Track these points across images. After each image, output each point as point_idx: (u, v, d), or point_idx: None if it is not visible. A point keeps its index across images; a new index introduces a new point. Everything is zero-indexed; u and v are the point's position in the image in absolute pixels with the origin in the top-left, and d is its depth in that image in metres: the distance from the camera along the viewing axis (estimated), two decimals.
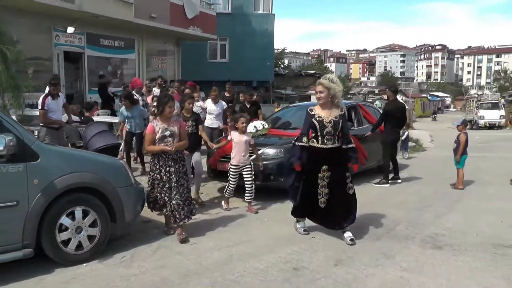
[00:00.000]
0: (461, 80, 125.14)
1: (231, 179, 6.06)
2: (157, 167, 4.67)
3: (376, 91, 40.72)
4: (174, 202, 4.61)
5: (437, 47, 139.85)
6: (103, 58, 14.37)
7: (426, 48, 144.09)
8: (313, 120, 4.65)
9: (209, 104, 8.85)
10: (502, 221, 5.54)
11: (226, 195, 6.17)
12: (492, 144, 15.60)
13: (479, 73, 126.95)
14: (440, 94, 63.78)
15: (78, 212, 4.06)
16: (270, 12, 24.21)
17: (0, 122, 3.74)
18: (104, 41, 14.19)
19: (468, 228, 5.26)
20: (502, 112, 26.54)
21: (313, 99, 22.74)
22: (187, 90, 8.21)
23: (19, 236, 3.75)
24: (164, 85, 10.16)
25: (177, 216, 4.62)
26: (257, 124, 7.75)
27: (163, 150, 4.63)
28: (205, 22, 18.13)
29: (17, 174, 3.73)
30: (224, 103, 9.21)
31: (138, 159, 7.84)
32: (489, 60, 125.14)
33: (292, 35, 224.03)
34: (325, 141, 4.60)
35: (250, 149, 6.14)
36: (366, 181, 7.99)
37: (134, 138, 7.74)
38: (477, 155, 11.42)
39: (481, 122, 26.40)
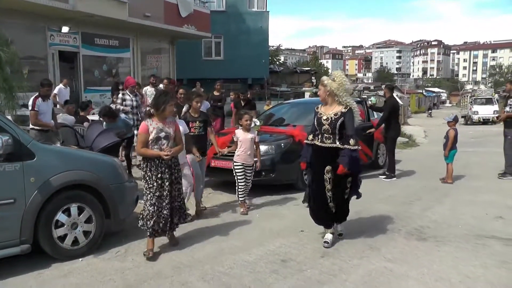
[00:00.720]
0: (457, 75, 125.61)
1: (239, 179, 5.85)
2: (149, 173, 4.22)
3: (371, 87, 40.82)
4: (165, 212, 4.26)
5: (433, 43, 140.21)
6: (98, 57, 14.47)
7: (422, 44, 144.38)
8: (316, 117, 4.57)
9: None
10: (486, 214, 5.71)
11: (240, 199, 5.92)
12: (485, 139, 15.76)
13: (474, 68, 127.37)
14: (436, 89, 63.88)
15: (73, 208, 4.19)
16: (265, 10, 24.31)
17: None
18: (99, 40, 14.27)
19: (453, 220, 5.43)
20: (495, 107, 26.70)
21: (307, 95, 22.95)
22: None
23: (16, 233, 3.89)
24: (156, 83, 10.30)
25: (168, 225, 4.32)
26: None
27: (157, 155, 4.18)
28: (200, 20, 18.23)
29: (14, 172, 3.86)
30: (207, 103, 9.33)
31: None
32: (485, 56, 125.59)
33: (288, 32, 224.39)
34: (324, 140, 4.43)
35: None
36: None
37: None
38: (469, 150, 11.60)
39: (475, 117, 26.57)
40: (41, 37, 12.27)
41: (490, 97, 28.94)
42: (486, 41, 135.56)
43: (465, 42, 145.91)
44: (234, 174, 5.91)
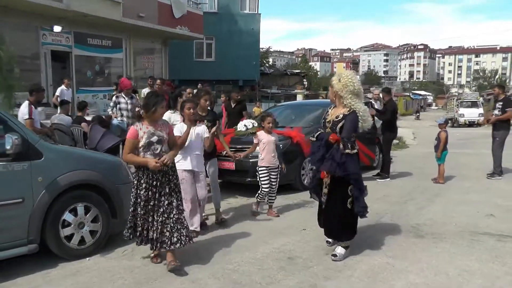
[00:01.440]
0: (443, 79, 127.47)
1: (264, 182, 5.71)
2: (141, 181, 3.84)
3: None
4: (159, 224, 3.83)
5: (419, 47, 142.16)
6: (91, 57, 14.41)
7: (408, 48, 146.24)
8: (323, 118, 4.46)
9: None
10: (478, 212, 5.92)
11: (258, 199, 5.85)
12: (472, 141, 16.11)
13: (459, 72, 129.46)
14: (423, 92, 64.82)
15: (80, 208, 4.25)
16: (256, 12, 24.47)
17: (6, 122, 3.91)
18: (91, 40, 14.21)
19: (447, 218, 5.61)
20: (480, 110, 27.33)
21: (299, 98, 23.14)
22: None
23: (24, 232, 3.92)
24: (153, 85, 10.26)
25: (165, 239, 3.83)
26: (247, 123, 8.01)
27: (144, 163, 3.77)
28: (193, 21, 18.31)
29: (22, 172, 3.89)
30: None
31: None
32: (469, 60, 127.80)
33: (276, 34, 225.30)
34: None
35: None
36: None
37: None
38: (458, 151, 11.86)
39: (461, 120, 27.12)
40: (34, 36, 12.20)
41: (476, 100, 29.62)
42: (470, 46, 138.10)
43: (450, 47, 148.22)
44: (258, 179, 5.78)
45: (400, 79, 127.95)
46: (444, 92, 68.10)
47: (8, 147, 3.69)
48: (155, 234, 3.85)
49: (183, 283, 3.70)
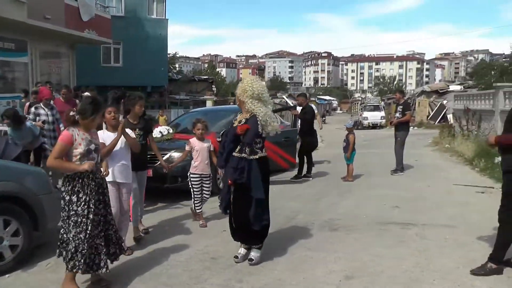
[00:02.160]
0: (346, 84, 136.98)
1: (195, 190, 5.62)
2: (80, 195, 3.52)
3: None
4: (99, 241, 3.58)
5: (323, 55, 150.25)
6: None
7: (312, 55, 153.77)
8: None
9: None
10: (385, 204, 6.63)
11: (197, 210, 5.69)
12: (376, 142, 17.56)
13: (361, 78, 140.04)
14: (327, 97, 68.77)
15: None
16: (164, 17, 24.22)
17: None
18: None
19: (358, 212, 6.22)
20: (382, 113, 30.05)
21: (209, 104, 23.36)
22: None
23: None
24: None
25: (95, 262, 3.56)
26: (162, 129, 8.03)
27: (75, 169, 3.50)
28: (100, 25, 17.66)
29: None
30: None
31: None
32: (370, 67, 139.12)
33: (182, 40, 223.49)
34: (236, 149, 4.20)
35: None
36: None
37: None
38: (364, 151, 12.93)
39: (365, 122, 29.47)
40: None
41: (378, 104, 32.48)
42: (371, 54, 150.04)
43: (352, 55, 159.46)
44: (190, 186, 5.69)
45: (305, 85, 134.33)
46: (348, 97, 73.24)
47: None
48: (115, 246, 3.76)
49: None
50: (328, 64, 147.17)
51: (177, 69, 40.61)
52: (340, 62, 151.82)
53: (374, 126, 28.81)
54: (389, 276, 3.93)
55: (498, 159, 6.79)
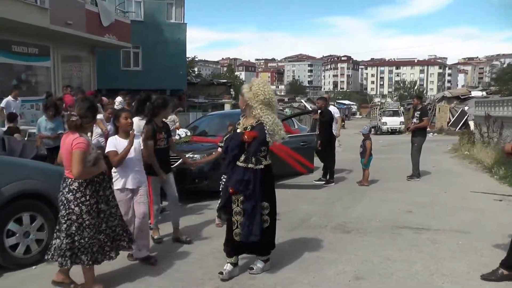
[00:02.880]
0: (366, 89, 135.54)
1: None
2: (87, 198, 3.60)
3: (286, 99, 42.71)
4: (102, 236, 3.70)
5: (342, 58, 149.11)
6: (15, 65, 13.73)
7: (332, 59, 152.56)
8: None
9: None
10: (399, 209, 6.67)
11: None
12: (394, 147, 17.46)
13: (381, 83, 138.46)
14: (347, 102, 68.28)
15: (25, 217, 4.26)
16: (182, 21, 24.61)
17: None
18: (16, 48, 13.57)
19: (371, 215, 6.28)
20: (402, 118, 29.76)
21: (227, 107, 23.59)
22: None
23: None
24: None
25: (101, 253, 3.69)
26: (180, 132, 8.32)
27: (104, 169, 3.73)
28: (120, 30, 18.18)
29: None
30: None
31: None
32: (390, 71, 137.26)
33: (201, 43, 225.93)
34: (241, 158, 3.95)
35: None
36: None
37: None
38: (381, 156, 12.92)
39: (384, 127, 29.24)
40: None
41: (397, 109, 32.15)
42: (391, 58, 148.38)
43: (372, 59, 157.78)
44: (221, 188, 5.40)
45: (324, 89, 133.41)
46: (367, 102, 72.44)
47: None
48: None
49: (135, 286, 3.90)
50: (348, 68, 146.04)
51: (196, 72, 41.04)
52: (360, 66, 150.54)
53: (393, 132, 28.58)
54: (398, 278, 4.01)
55: None
